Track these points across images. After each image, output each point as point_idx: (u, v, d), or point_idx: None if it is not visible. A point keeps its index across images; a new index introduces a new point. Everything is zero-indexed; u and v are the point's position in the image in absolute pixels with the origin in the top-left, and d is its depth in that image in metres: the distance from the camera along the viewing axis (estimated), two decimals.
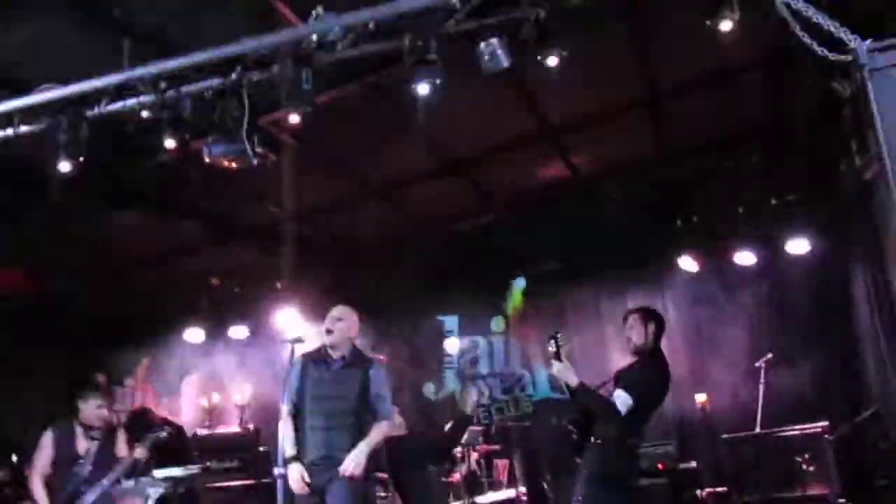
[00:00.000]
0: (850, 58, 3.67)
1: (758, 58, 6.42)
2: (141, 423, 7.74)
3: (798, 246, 8.15)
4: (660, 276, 8.76)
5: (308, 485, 4.86)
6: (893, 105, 3.59)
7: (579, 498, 5.05)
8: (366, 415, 5.13)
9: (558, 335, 5.16)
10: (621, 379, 5.17)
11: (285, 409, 4.81)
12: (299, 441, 5.00)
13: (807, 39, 3.77)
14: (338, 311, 5.21)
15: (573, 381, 5.10)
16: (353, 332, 5.28)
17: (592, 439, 5.16)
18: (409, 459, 5.81)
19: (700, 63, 6.36)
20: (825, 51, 3.76)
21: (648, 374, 5.17)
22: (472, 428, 8.10)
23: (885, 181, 3.50)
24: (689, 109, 7.18)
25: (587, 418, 5.24)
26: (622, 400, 4.94)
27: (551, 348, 5.14)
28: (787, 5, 3.84)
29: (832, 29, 3.74)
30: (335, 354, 5.17)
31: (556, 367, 5.14)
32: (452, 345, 9.61)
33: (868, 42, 3.69)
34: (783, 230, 8.12)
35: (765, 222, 8.20)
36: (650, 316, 5.33)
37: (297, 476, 4.88)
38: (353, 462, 4.88)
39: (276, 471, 4.53)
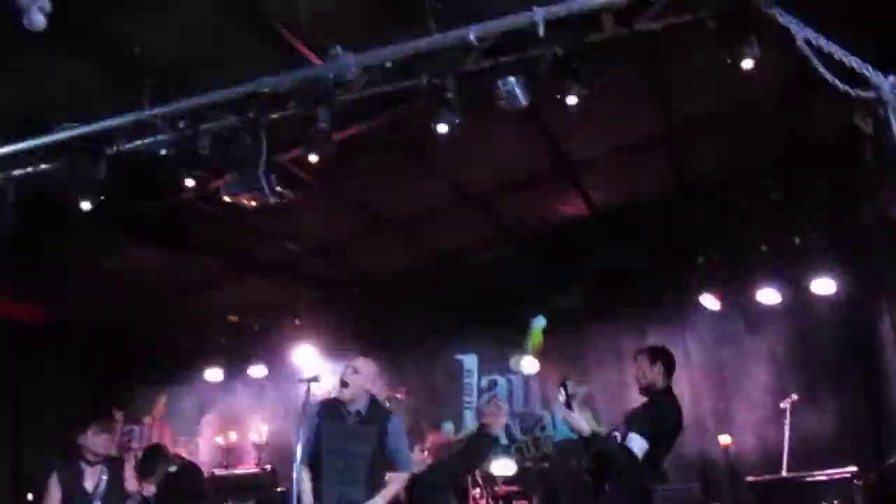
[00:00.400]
0: (872, 94, 3.61)
1: (778, 93, 6.37)
2: (154, 459, 7.67)
3: (823, 285, 7.99)
4: (681, 314, 8.63)
5: None
6: None
7: None
8: (382, 467, 5.08)
9: (567, 383, 5.09)
10: (632, 421, 5.07)
11: (299, 455, 4.74)
12: (315, 491, 4.95)
13: (828, 76, 3.71)
14: (354, 363, 5.16)
15: (585, 430, 5.04)
16: (370, 384, 5.23)
17: (608, 486, 5.07)
18: (430, 484, 5.71)
19: (719, 98, 6.32)
20: (847, 87, 3.71)
21: (659, 415, 5.07)
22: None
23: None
24: (709, 145, 7.14)
25: (601, 464, 5.14)
26: (637, 444, 4.84)
27: (561, 397, 5.08)
28: (808, 42, 3.79)
29: (854, 65, 3.68)
30: (352, 408, 5.11)
31: (568, 416, 5.10)
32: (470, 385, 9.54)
33: (892, 78, 3.63)
34: (807, 268, 7.99)
35: (788, 260, 8.07)
36: (657, 354, 5.24)
37: None
38: None
39: None
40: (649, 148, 7.14)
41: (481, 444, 5.64)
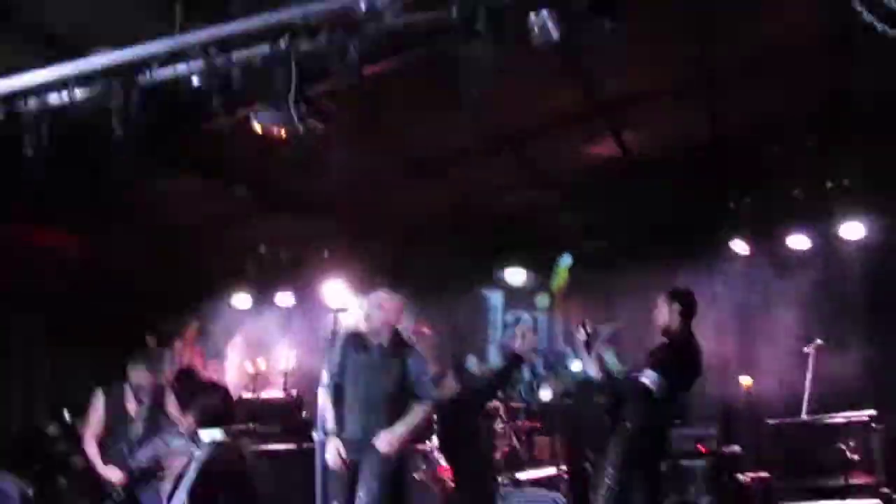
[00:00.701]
0: None
1: (818, 39, 6.26)
2: (188, 383, 7.94)
3: (853, 230, 7.98)
4: (710, 258, 8.61)
5: (343, 460, 5.01)
6: None
7: (609, 481, 5.08)
8: (404, 399, 5.26)
9: (586, 323, 5.23)
10: (649, 360, 5.18)
11: (325, 379, 4.89)
12: (338, 417, 5.14)
13: (867, 16, 3.64)
14: (377, 297, 5.34)
15: (596, 373, 5.19)
16: (394, 318, 5.39)
17: (627, 424, 5.18)
18: (457, 410, 5.88)
19: (761, 44, 6.23)
20: (887, 28, 3.64)
21: (676, 355, 5.17)
22: (512, 404, 8.14)
23: None
24: (747, 90, 7.04)
25: (619, 403, 5.26)
26: (651, 379, 4.97)
27: (581, 336, 5.20)
28: None
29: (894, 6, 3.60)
30: (375, 341, 5.29)
31: (583, 358, 5.24)
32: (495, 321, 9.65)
33: None
34: (837, 214, 7.96)
35: (818, 206, 8.03)
36: (674, 297, 5.34)
37: (333, 451, 5.04)
38: (387, 441, 5.05)
39: (316, 436, 4.60)
40: (686, 92, 7.07)
41: (510, 369, 5.79)
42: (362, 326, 5.33)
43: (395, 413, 5.17)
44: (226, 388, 8.39)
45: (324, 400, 4.90)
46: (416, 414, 5.26)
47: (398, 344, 5.39)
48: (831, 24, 5.77)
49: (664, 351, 5.25)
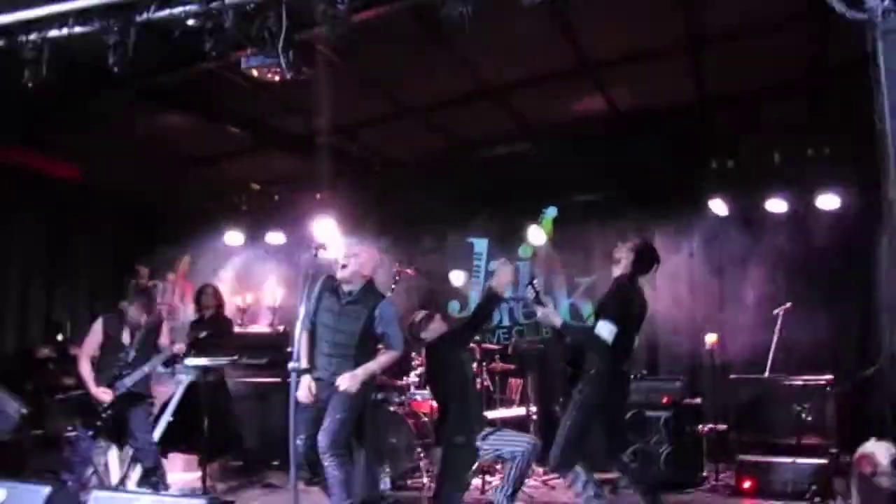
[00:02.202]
0: (864, 16, 3.72)
1: (804, 8, 6.36)
2: (205, 295, 8.34)
3: (829, 200, 8.16)
4: (690, 217, 8.83)
5: (314, 396, 5.33)
6: None
7: (569, 423, 5.38)
8: (369, 348, 5.51)
9: (535, 281, 5.54)
10: (601, 309, 5.46)
11: (301, 316, 5.08)
12: (311, 355, 5.46)
13: None
14: (354, 246, 5.55)
15: (557, 322, 5.46)
16: (367, 269, 5.58)
17: (590, 371, 5.45)
18: (440, 349, 6.12)
19: (745, 10, 6.34)
20: (843, 7, 3.82)
21: (624, 301, 5.44)
22: (488, 346, 8.45)
23: (883, 147, 3.60)
24: (734, 55, 7.13)
25: (577, 353, 5.55)
26: (608, 329, 5.23)
27: (530, 294, 5.48)
28: None
29: None
30: (346, 289, 5.50)
31: (540, 311, 5.53)
32: (479, 267, 9.89)
33: (886, 2, 3.73)
34: (815, 182, 8.15)
35: (798, 173, 8.21)
36: (638, 246, 5.62)
37: (304, 387, 5.34)
38: (348, 379, 5.30)
39: (290, 365, 4.85)
40: (672, 53, 7.17)
41: (489, 305, 6.03)
42: (339, 275, 5.51)
43: (361, 358, 5.41)
44: (229, 320, 8.64)
45: (299, 336, 5.10)
46: (380, 360, 5.52)
47: (368, 293, 5.56)
48: None
49: (614, 299, 5.50)
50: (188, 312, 9.21)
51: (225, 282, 9.39)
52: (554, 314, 5.60)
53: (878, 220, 7.71)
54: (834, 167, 8.03)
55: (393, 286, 7.65)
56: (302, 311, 5.03)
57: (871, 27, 3.73)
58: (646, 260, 5.66)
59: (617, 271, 5.66)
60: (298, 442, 5.16)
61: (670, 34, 6.81)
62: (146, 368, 6.70)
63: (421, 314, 6.25)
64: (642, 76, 7.46)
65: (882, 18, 3.63)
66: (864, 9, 3.75)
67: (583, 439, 5.45)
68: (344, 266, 5.48)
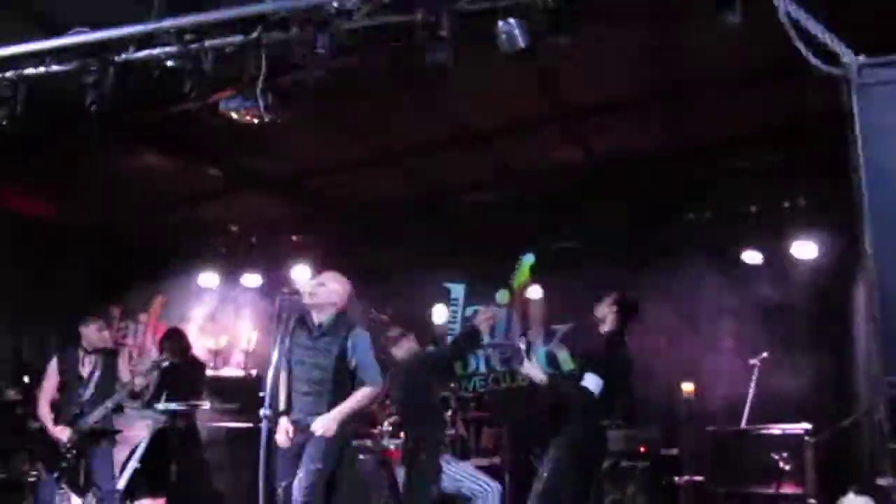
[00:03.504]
0: (840, 71, 3.76)
1: (777, 60, 6.46)
2: (174, 341, 8.10)
3: (804, 249, 8.23)
4: (667, 266, 8.84)
5: (291, 441, 5.11)
6: (878, 122, 3.69)
7: (546, 475, 5.32)
8: (346, 382, 5.25)
9: (528, 333, 5.54)
10: (589, 362, 5.43)
11: (275, 359, 4.99)
12: (287, 397, 5.24)
13: (802, 49, 3.87)
14: (323, 276, 5.35)
15: (541, 378, 5.44)
16: (337, 298, 5.33)
17: (564, 425, 5.42)
18: (412, 381, 6.04)
19: (720, 62, 6.43)
20: (819, 63, 3.86)
21: (612, 357, 5.43)
22: (463, 394, 8.37)
23: (859, 199, 3.62)
24: (708, 106, 7.24)
25: (560, 405, 5.51)
26: (595, 382, 5.18)
27: (522, 345, 5.46)
28: (789, 14, 3.94)
29: (828, 41, 3.83)
30: (316, 320, 5.29)
31: (526, 366, 5.50)
32: (457, 312, 9.85)
33: (861, 57, 3.78)
34: (791, 232, 8.21)
35: (774, 223, 8.28)
36: (618, 300, 5.61)
37: (282, 431, 5.13)
38: (323, 424, 5.04)
39: (262, 412, 4.75)
40: (647, 103, 7.26)
41: (468, 340, 5.98)
42: (307, 304, 5.31)
43: (337, 394, 5.18)
44: (202, 363, 8.50)
45: (272, 380, 4.99)
46: (357, 398, 5.22)
47: (339, 323, 5.33)
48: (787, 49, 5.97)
49: (603, 354, 5.48)
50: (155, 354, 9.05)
51: (198, 324, 9.27)
52: (537, 368, 5.59)
53: (854, 268, 7.80)
54: (809, 216, 8.11)
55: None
56: (275, 353, 4.94)
57: (846, 81, 3.77)
58: (629, 312, 5.66)
59: (605, 328, 5.64)
60: (279, 490, 5.00)
61: (647, 84, 6.90)
62: (109, 405, 6.55)
63: (396, 331, 6.18)
64: (619, 125, 7.54)
65: (858, 74, 3.67)
66: (840, 64, 3.79)
67: (561, 490, 5.38)
68: (311, 295, 5.26)
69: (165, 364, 7.08)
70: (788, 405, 7.81)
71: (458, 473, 5.63)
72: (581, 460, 5.42)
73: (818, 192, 8.08)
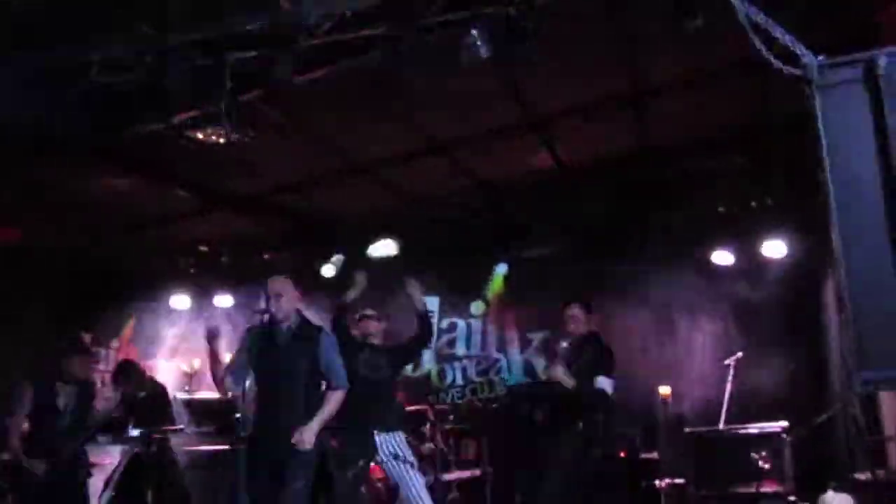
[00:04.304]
0: (800, 72, 3.78)
1: (742, 61, 6.52)
2: (127, 374, 7.91)
3: (774, 248, 8.30)
4: (639, 269, 8.88)
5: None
6: (840, 122, 3.71)
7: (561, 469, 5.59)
8: (318, 388, 5.20)
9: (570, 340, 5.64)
10: (592, 365, 5.55)
11: (249, 379, 4.91)
12: (258, 412, 5.10)
13: (763, 51, 3.89)
14: (275, 286, 5.19)
15: (570, 382, 5.54)
16: (296, 304, 5.29)
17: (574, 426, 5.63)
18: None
19: (685, 64, 6.48)
20: (780, 63, 3.88)
21: (608, 352, 5.59)
22: (440, 406, 8.34)
23: (826, 199, 3.63)
24: (675, 109, 7.28)
25: (564, 408, 5.62)
26: (609, 384, 5.36)
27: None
28: (748, 16, 3.96)
29: (788, 43, 3.85)
30: (283, 327, 5.19)
31: (556, 370, 5.53)
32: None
33: (820, 58, 3.81)
34: (760, 232, 8.28)
35: (743, 223, 8.35)
36: (588, 305, 5.82)
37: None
38: (304, 436, 4.93)
39: (239, 435, 4.69)
40: (614, 107, 7.29)
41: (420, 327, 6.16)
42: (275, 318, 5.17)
43: (310, 402, 5.09)
44: (163, 387, 8.39)
45: (246, 398, 4.90)
46: (331, 404, 5.14)
47: (307, 326, 5.28)
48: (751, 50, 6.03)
49: (601, 354, 5.63)
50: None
51: (170, 346, 9.16)
52: (567, 374, 5.67)
53: (823, 265, 7.90)
54: (778, 215, 8.20)
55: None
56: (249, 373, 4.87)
57: (807, 82, 3.79)
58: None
59: (583, 328, 5.76)
60: None
61: (614, 88, 6.94)
62: (81, 437, 6.44)
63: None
64: (587, 130, 7.55)
65: (818, 74, 3.69)
66: (801, 65, 3.81)
67: (581, 478, 5.61)
68: (274, 308, 5.12)
69: (142, 394, 7.02)
70: (765, 404, 7.86)
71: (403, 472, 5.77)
72: (602, 455, 5.73)
73: (785, 192, 8.17)
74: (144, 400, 7.49)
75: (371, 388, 6.01)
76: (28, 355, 8.90)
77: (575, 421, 5.67)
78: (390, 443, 6.06)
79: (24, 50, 4.99)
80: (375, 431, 6.03)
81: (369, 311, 6.45)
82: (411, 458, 6.05)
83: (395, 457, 5.98)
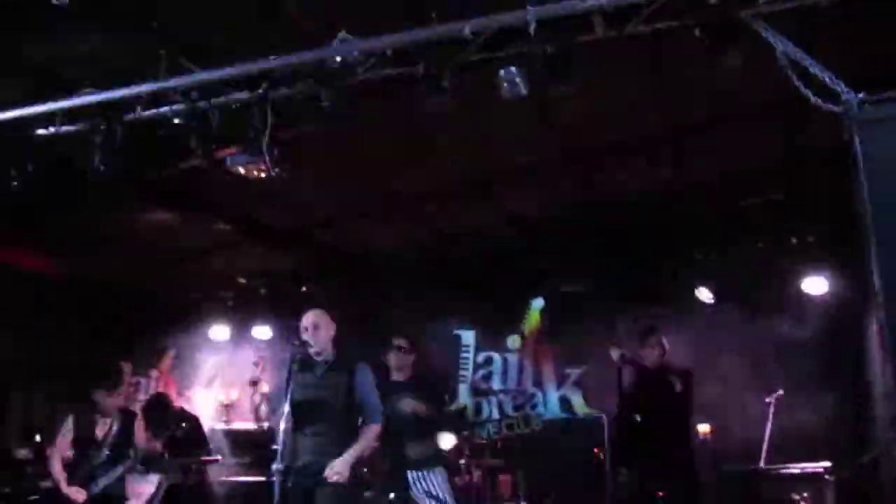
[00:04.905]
0: (839, 109, 3.79)
1: (781, 98, 6.50)
2: (157, 409, 7.97)
3: (815, 285, 8.21)
4: (677, 306, 8.82)
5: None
6: (880, 158, 3.71)
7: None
8: (353, 418, 5.18)
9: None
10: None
11: (284, 409, 4.94)
12: (294, 443, 5.07)
13: (802, 88, 3.91)
14: (311, 318, 5.25)
15: None
16: (333, 331, 5.32)
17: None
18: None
19: (722, 102, 6.47)
20: (819, 100, 3.90)
21: None
22: (477, 441, 8.30)
23: (866, 234, 3.62)
24: (714, 145, 7.27)
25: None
26: None
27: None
28: (787, 54, 3.98)
29: (827, 80, 3.87)
30: (319, 359, 5.22)
31: None
32: (467, 359, 9.80)
33: (860, 95, 3.82)
34: (801, 268, 8.20)
35: (783, 259, 8.27)
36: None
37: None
38: (337, 469, 4.91)
39: (274, 467, 4.71)
40: (654, 144, 7.30)
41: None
42: (311, 351, 5.21)
43: (347, 435, 5.09)
44: (196, 418, 8.47)
45: (283, 430, 4.92)
46: (367, 437, 5.17)
47: (343, 359, 5.30)
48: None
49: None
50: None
51: (209, 377, 9.25)
52: None
53: (865, 302, 7.77)
54: (818, 252, 8.12)
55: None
56: (286, 405, 4.90)
57: (847, 118, 3.80)
58: None
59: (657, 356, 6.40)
60: None
61: (650, 125, 6.94)
62: (120, 469, 6.51)
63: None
64: (623, 167, 7.56)
65: (858, 110, 3.70)
66: (840, 102, 3.82)
67: None
68: (311, 342, 5.17)
69: (180, 433, 7.09)
70: (806, 443, 7.73)
71: None
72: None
73: (825, 228, 8.09)
74: (178, 432, 7.56)
75: (400, 423, 5.97)
76: (69, 387, 9.06)
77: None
78: (426, 481, 6.01)
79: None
80: (409, 470, 5.99)
81: (400, 342, 6.41)
82: (447, 498, 5.98)
83: (429, 495, 5.93)
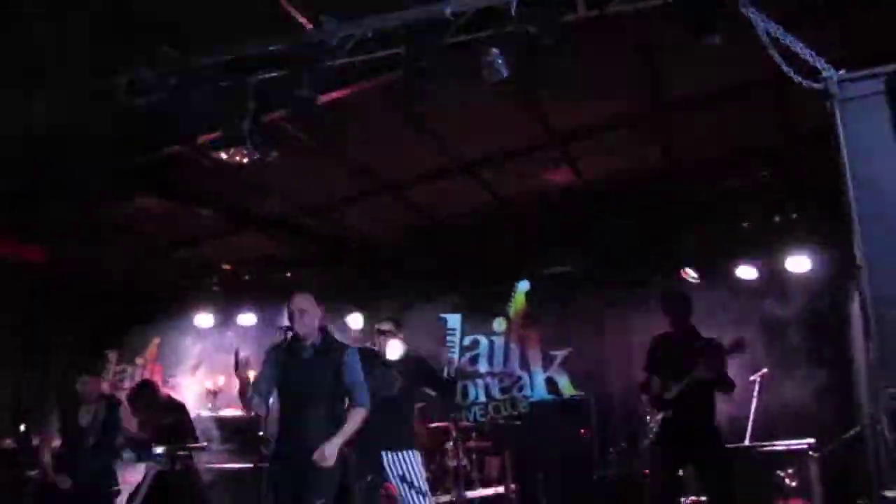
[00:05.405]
0: (822, 86, 3.80)
1: (765, 77, 6.52)
2: (143, 396, 7.95)
3: (798, 263, 8.25)
4: (662, 286, 8.83)
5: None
6: (861, 135, 3.72)
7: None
8: (339, 402, 5.18)
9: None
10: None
11: (273, 396, 4.93)
12: (281, 428, 5.11)
13: (784, 66, 3.91)
14: (298, 303, 5.20)
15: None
16: (319, 317, 5.29)
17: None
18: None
19: (709, 81, 6.48)
20: (800, 78, 3.90)
21: None
22: (463, 424, 8.32)
23: (848, 211, 3.64)
24: (698, 125, 7.29)
25: None
26: None
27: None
28: (768, 32, 3.99)
29: (808, 58, 3.88)
30: (307, 343, 5.20)
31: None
32: (453, 343, 9.77)
33: (840, 72, 3.82)
34: (784, 247, 8.24)
35: (767, 238, 8.31)
36: None
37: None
38: (325, 453, 4.90)
39: (263, 450, 4.71)
40: (637, 124, 7.31)
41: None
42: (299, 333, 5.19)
43: (334, 419, 5.09)
44: (182, 405, 8.44)
45: (270, 415, 4.91)
46: (354, 421, 5.15)
47: (331, 341, 5.30)
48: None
49: None
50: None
51: (195, 364, 9.22)
52: None
53: (848, 279, 7.82)
54: (802, 230, 8.15)
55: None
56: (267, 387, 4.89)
57: (828, 96, 3.81)
58: None
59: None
60: None
61: (635, 105, 6.95)
62: (106, 457, 6.51)
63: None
64: (609, 147, 7.57)
65: (839, 88, 3.71)
66: (821, 79, 3.83)
67: None
68: (298, 326, 5.14)
69: (166, 422, 7.09)
70: (791, 420, 7.79)
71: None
72: None
73: (809, 206, 8.13)
74: (165, 420, 7.56)
75: (381, 405, 5.89)
76: (57, 375, 9.03)
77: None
78: (400, 464, 6.01)
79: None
80: (384, 451, 6.00)
81: (385, 327, 6.41)
82: (420, 484, 5.95)
83: (403, 479, 5.92)
